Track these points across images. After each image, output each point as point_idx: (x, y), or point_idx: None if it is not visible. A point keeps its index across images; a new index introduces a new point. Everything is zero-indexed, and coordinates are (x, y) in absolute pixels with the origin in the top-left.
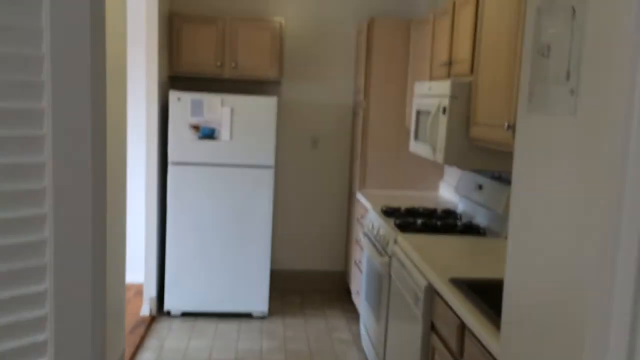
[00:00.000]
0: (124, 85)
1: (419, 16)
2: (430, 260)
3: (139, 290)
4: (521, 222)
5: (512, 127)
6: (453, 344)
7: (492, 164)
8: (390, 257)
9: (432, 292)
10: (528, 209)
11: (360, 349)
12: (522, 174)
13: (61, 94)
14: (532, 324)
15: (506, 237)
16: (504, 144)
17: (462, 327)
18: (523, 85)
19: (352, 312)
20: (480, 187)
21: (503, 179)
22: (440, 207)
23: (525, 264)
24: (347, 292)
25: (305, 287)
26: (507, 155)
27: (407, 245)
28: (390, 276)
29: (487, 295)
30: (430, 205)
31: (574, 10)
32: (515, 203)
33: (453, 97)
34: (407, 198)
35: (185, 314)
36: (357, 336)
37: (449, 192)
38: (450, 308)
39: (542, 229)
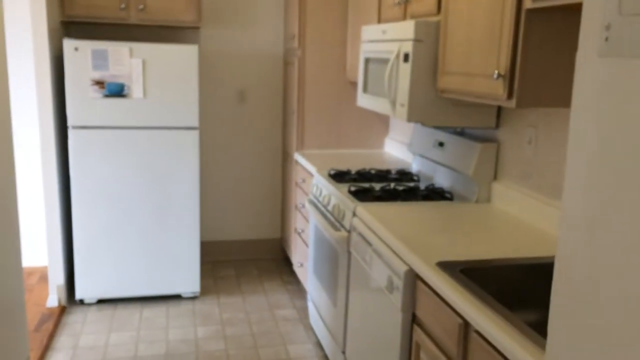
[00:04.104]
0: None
1: None
2: (404, 238)
3: (44, 274)
4: (589, 190)
5: (503, 76)
6: (451, 346)
7: (462, 119)
8: (349, 231)
9: (413, 279)
10: (604, 174)
11: (308, 327)
12: (592, 133)
13: None
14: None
15: (477, 201)
16: (490, 96)
17: (466, 327)
18: (588, 19)
19: (292, 283)
20: (441, 144)
21: (467, 134)
22: (393, 168)
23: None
24: (285, 261)
25: (239, 257)
26: (480, 109)
27: (371, 218)
28: (349, 253)
29: (486, 281)
30: (380, 165)
31: None
32: (576, 167)
33: (418, 40)
34: (353, 158)
35: (102, 301)
36: (302, 312)
37: (397, 149)
38: (445, 302)
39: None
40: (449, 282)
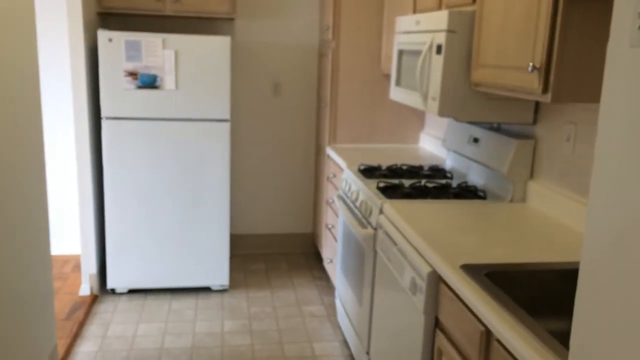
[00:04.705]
0: (31, 20)
1: None
2: (429, 238)
3: (78, 263)
4: (618, 192)
5: (538, 69)
6: (473, 354)
7: (497, 115)
8: (375, 229)
9: (437, 281)
10: (636, 175)
11: (335, 325)
12: (623, 129)
13: None
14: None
15: (511, 201)
16: (524, 90)
17: (487, 335)
18: (620, 6)
19: (322, 279)
20: (475, 140)
21: (503, 130)
22: (425, 164)
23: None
24: (316, 256)
25: (270, 251)
26: (517, 104)
27: (397, 216)
28: (375, 252)
29: (514, 287)
30: (413, 161)
31: None
32: (605, 166)
33: (451, 31)
34: (385, 153)
35: (133, 291)
36: (330, 309)
37: (432, 144)
38: (467, 307)
39: None
40: (472, 286)
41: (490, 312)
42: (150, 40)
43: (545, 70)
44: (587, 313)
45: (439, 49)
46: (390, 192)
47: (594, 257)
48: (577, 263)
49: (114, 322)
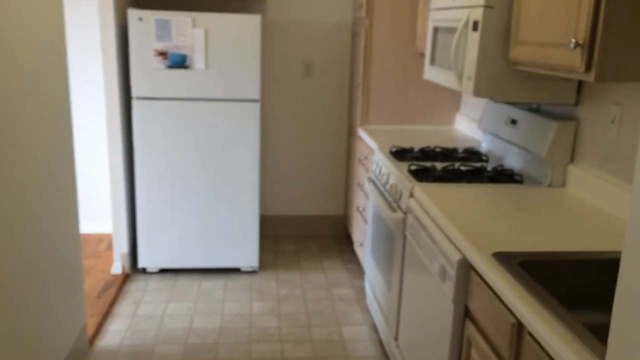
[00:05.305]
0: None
1: None
2: (461, 224)
3: (112, 242)
4: None
5: (581, 45)
6: (503, 347)
7: (536, 95)
8: (405, 213)
9: (467, 269)
10: None
11: (365, 309)
12: None
13: None
14: None
15: (550, 186)
16: (565, 68)
17: (519, 328)
18: None
19: (352, 262)
20: (513, 122)
21: (543, 111)
22: (460, 146)
23: None
24: (347, 238)
25: (301, 233)
26: (558, 83)
27: (428, 201)
28: (405, 236)
29: (549, 277)
30: (447, 143)
31: None
32: None
33: (488, 7)
34: (419, 135)
35: (165, 271)
36: (360, 292)
37: (468, 126)
38: (499, 298)
39: None
40: (503, 275)
41: (522, 304)
42: (180, 19)
43: (589, 47)
44: (629, 307)
45: (475, 26)
46: (421, 175)
47: (637, 246)
48: (619, 253)
49: (144, 301)
